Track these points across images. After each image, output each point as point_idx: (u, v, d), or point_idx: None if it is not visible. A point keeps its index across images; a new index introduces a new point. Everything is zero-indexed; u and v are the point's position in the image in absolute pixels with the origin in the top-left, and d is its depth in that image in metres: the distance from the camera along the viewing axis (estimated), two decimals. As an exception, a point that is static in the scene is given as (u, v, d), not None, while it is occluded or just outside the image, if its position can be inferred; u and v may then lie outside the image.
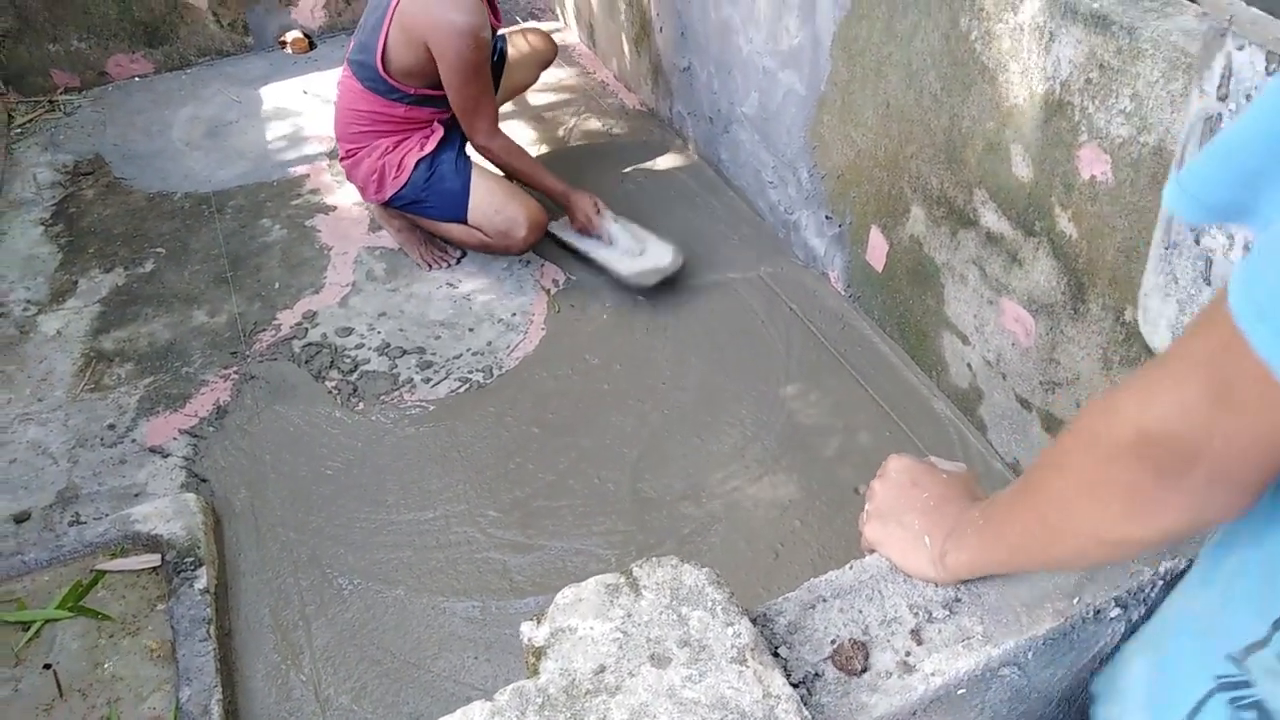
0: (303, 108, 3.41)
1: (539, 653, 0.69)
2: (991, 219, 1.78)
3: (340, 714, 1.67)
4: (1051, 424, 1.80)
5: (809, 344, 2.32)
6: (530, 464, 2.06)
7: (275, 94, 3.51)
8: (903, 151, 1.98)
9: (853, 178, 2.19)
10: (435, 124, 2.47)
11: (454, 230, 2.53)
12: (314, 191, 2.97)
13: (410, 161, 2.43)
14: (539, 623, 0.72)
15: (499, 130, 2.45)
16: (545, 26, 3.88)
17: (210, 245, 2.78)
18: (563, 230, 2.63)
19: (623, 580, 0.74)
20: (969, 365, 2.00)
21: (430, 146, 2.44)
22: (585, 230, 2.55)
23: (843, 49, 2.06)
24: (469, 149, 2.52)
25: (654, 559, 0.77)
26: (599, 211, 2.53)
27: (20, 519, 2.04)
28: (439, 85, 2.34)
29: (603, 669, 0.67)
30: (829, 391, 2.19)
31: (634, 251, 2.51)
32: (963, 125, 1.77)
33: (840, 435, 2.09)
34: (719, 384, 2.23)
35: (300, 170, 3.07)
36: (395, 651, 1.75)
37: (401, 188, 2.45)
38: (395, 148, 2.44)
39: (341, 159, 2.50)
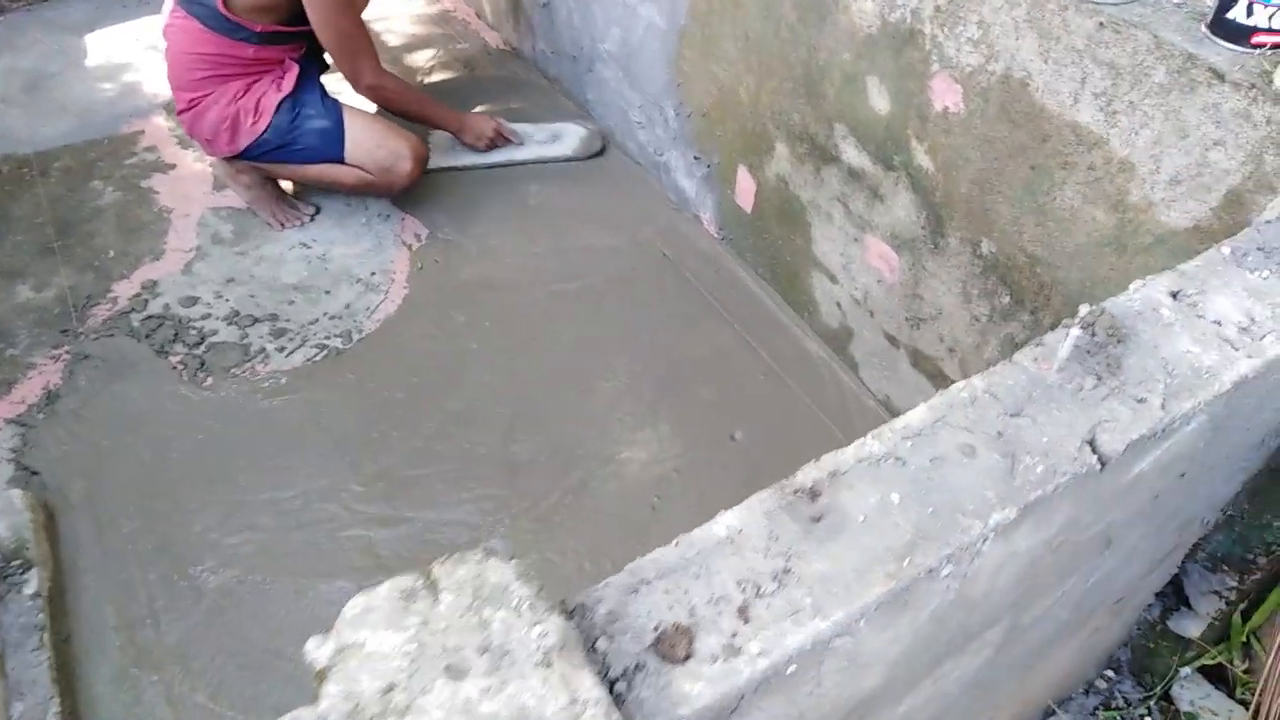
0: (133, 57, 3.13)
1: (322, 674, 0.61)
2: (852, 154, 1.74)
3: (197, 713, 1.57)
4: (919, 359, 1.80)
5: (683, 290, 2.26)
6: (394, 431, 1.96)
7: (102, 42, 3.21)
8: (764, 86, 1.91)
9: (718, 116, 2.12)
10: (288, 61, 2.27)
11: (326, 171, 2.34)
12: (150, 149, 2.74)
13: (269, 103, 2.22)
14: (325, 637, 0.64)
15: (383, 69, 2.30)
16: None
17: (33, 212, 2.53)
18: (457, 156, 2.61)
19: (420, 582, 0.67)
20: (838, 304, 1.98)
21: (288, 86, 2.24)
22: (490, 147, 2.58)
23: (698, -20, 1.97)
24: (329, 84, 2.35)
25: (457, 555, 0.69)
26: (498, 123, 2.58)
27: None
28: (293, 20, 2.15)
29: (391, 688, 0.60)
30: (704, 338, 2.14)
31: (551, 138, 2.62)
32: (820, 58, 1.72)
33: (716, 382, 2.05)
34: (592, 336, 2.15)
35: (134, 126, 2.82)
36: (255, 642, 1.65)
37: (262, 133, 2.24)
38: (247, 91, 2.23)
39: (180, 111, 2.27)
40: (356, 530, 1.79)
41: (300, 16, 2.14)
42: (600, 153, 2.65)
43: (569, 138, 2.63)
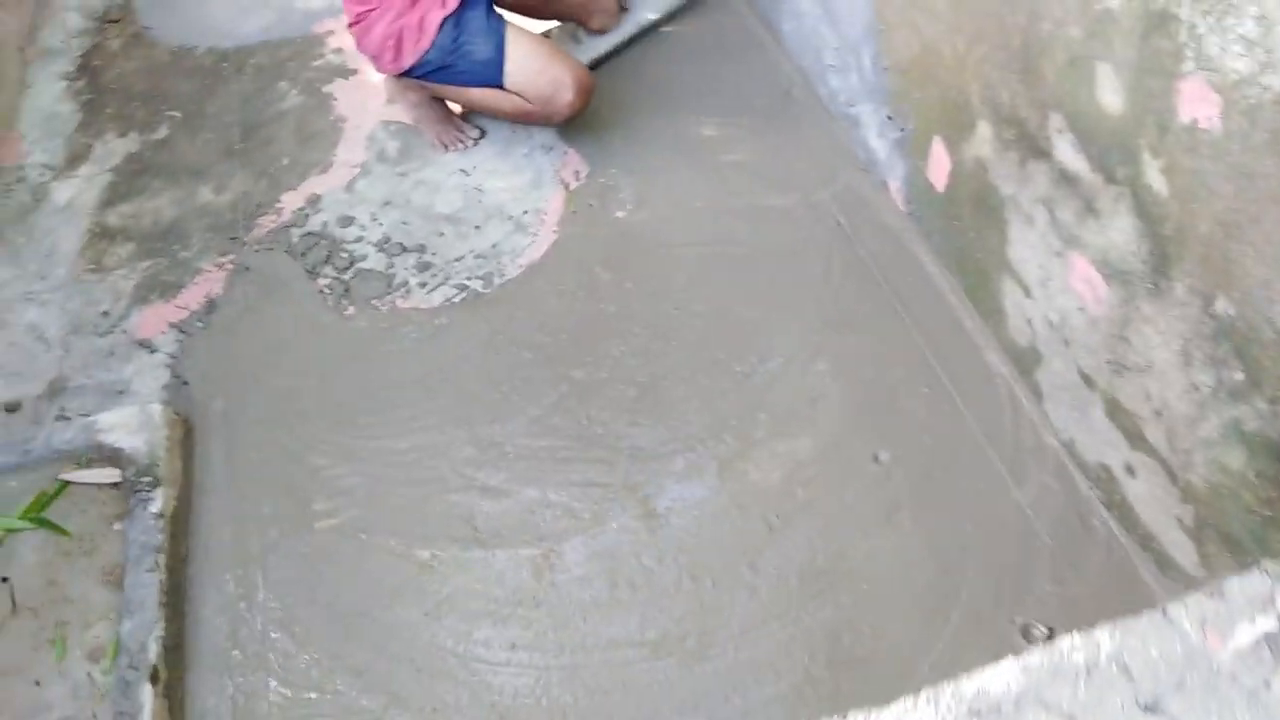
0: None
1: None
2: (1067, 152, 1.40)
3: (282, 658, 1.60)
4: (1116, 411, 1.47)
5: (852, 268, 1.99)
6: (516, 395, 1.87)
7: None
8: (972, 51, 1.57)
9: (918, 75, 1.79)
10: None
11: (488, 97, 2.22)
12: (336, 51, 2.71)
13: (433, 21, 2.11)
14: None
15: None
16: None
17: (225, 110, 2.59)
18: (591, 46, 2.50)
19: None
20: (1029, 321, 1.66)
21: (453, 3, 2.12)
22: (615, 21, 2.51)
23: (914, -91, 1.62)
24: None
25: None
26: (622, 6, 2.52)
27: (11, 409, 2.00)
28: None
29: None
30: (867, 328, 1.88)
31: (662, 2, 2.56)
32: (1042, 28, 1.36)
33: (869, 386, 1.80)
34: (739, 313, 1.94)
35: (325, 25, 2.80)
36: (347, 597, 1.65)
37: (425, 53, 2.14)
38: (412, 7, 2.12)
39: (350, 25, 2.20)
40: (459, 496, 1.74)
41: None
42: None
43: None
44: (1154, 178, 1.23)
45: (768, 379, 1.84)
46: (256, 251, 2.22)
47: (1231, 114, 1.07)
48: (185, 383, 1.99)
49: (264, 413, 1.91)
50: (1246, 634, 0.53)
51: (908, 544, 1.60)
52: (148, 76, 2.73)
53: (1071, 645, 0.55)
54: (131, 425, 1.82)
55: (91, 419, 1.84)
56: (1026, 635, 1.50)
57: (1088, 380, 1.52)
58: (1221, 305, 1.17)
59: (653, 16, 2.53)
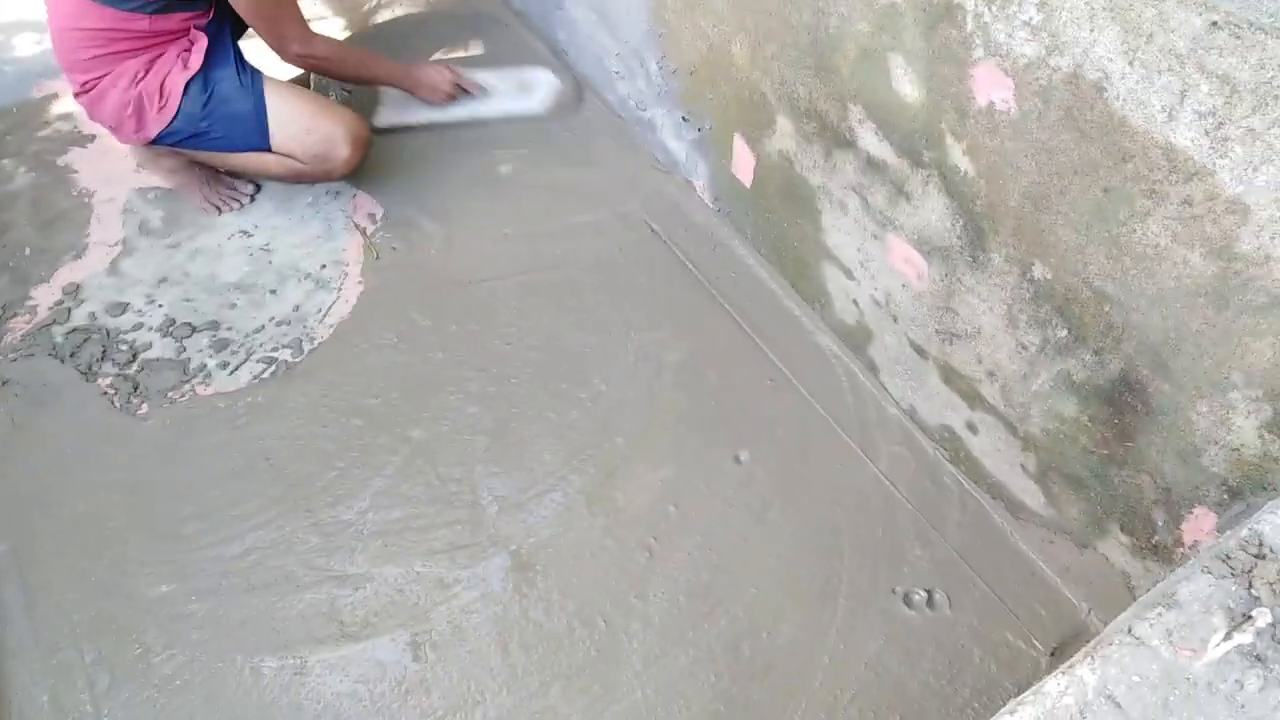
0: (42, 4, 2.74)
1: None
2: (871, 141, 1.45)
3: (147, 822, 1.41)
4: (951, 376, 1.55)
5: (675, 273, 1.99)
6: (355, 468, 1.73)
7: (6, -18, 2.82)
8: (761, 50, 1.59)
9: (707, 76, 1.80)
10: (194, 31, 1.93)
11: (252, 161, 2.03)
12: (64, 116, 2.41)
13: (175, 85, 1.89)
14: None
15: (312, 31, 1.96)
16: None
17: (-62, 202, 2.24)
18: (412, 112, 2.29)
19: None
20: (855, 301, 1.71)
21: (196, 63, 1.90)
22: (449, 100, 2.26)
23: (679, -86, 1.62)
24: (247, 52, 2.01)
25: None
26: (455, 74, 2.26)
27: None
28: None
29: None
30: (701, 334, 1.89)
31: (520, 89, 2.31)
32: (829, 25, 1.40)
33: (715, 389, 1.81)
34: (571, 338, 1.90)
35: (45, 88, 2.48)
36: (208, 734, 1.47)
37: (171, 121, 1.93)
38: (148, 71, 1.89)
39: (77, 94, 1.94)
40: (315, 592, 1.59)
41: None
42: (577, 104, 2.32)
43: (541, 90, 2.30)
44: (959, 159, 1.29)
45: (614, 401, 1.80)
46: (13, 360, 1.93)
47: (1025, 95, 1.13)
48: (-46, 529, 1.71)
49: (63, 545, 1.67)
50: (1214, 642, 0.55)
51: (783, 539, 1.62)
52: None
53: (1058, 688, 0.55)
54: (-103, 596, 1.53)
55: None
56: (908, 603, 1.56)
57: (920, 351, 1.59)
58: (1039, 271, 1.25)
59: (488, 114, 2.30)
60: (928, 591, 1.55)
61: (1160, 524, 1.23)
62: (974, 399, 1.52)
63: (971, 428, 1.56)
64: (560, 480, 1.70)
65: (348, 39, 2.56)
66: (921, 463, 1.69)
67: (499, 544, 1.63)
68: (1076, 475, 1.37)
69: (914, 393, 1.67)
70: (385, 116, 2.25)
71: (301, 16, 1.93)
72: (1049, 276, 1.24)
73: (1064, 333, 1.26)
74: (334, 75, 2.10)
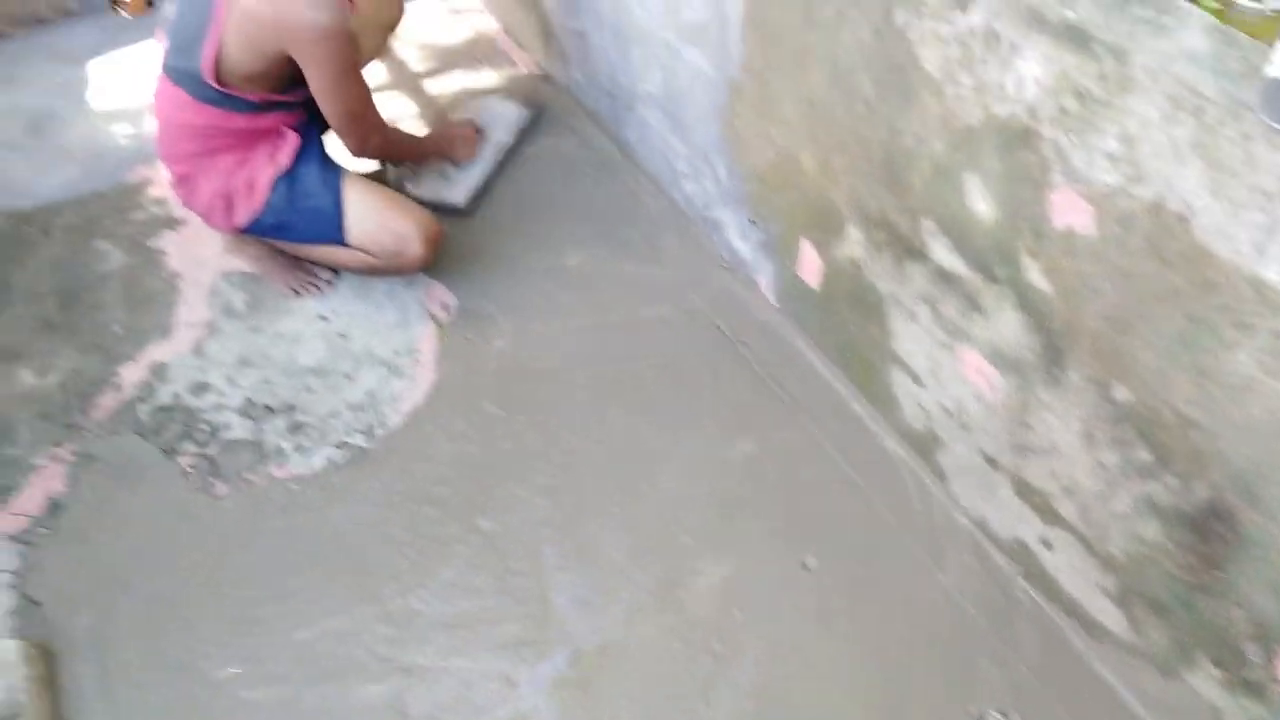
0: (138, 89, 2.91)
1: None
2: (943, 254, 1.46)
3: None
4: (1025, 491, 1.53)
5: (740, 371, 2.00)
6: (424, 557, 1.76)
7: (107, 71, 3.00)
8: (832, 161, 1.63)
9: (777, 182, 1.84)
10: (283, 130, 2.03)
11: (330, 254, 2.13)
12: (158, 201, 2.53)
13: (264, 180, 2.00)
14: None
15: (381, 121, 2.09)
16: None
17: (36, 280, 2.35)
18: (465, 176, 2.43)
19: None
20: (923, 407, 1.71)
21: (284, 159, 2.01)
22: (477, 149, 2.47)
23: (755, 30, 1.68)
24: (330, 147, 2.12)
25: None
26: (471, 123, 2.50)
27: None
28: (289, 88, 1.92)
29: None
30: (767, 434, 1.89)
31: (498, 115, 2.58)
32: (904, 142, 1.43)
33: (782, 491, 1.81)
34: (638, 432, 1.92)
35: (141, 173, 2.62)
36: (271, 825, 1.48)
37: (258, 214, 2.03)
38: (241, 165, 2.00)
39: (173, 183, 2.06)
40: (383, 684, 1.60)
41: (294, 83, 1.91)
42: (540, 103, 2.66)
43: (508, 105, 2.61)
44: (1035, 278, 1.30)
45: (680, 498, 1.81)
46: (100, 437, 2.01)
47: (1105, 221, 1.15)
48: (37, 603, 1.76)
49: (140, 624, 1.71)
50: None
51: (851, 648, 1.60)
52: (-64, 253, 2.46)
53: None
54: (-18, 671, 1.58)
55: (-71, 672, 1.59)
56: (982, 721, 1.52)
57: (991, 462, 1.58)
58: (1119, 392, 1.24)
59: (507, 139, 2.53)
60: (1003, 714, 1.51)
61: (1253, 658, 1.20)
62: (1049, 514, 1.50)
63: (1046, 543, 1.54)
64: (627, 579, 1.70)
65: (422, 132, 2.66)
66: (993, 576, 1.66)
67: (565, 641, 1.63)
68: (1160, 600, 1.34)
69: (985, 503, 1.66)
70: (459, 194, 2.40)
71: (380, 117, 2.07)
72: (1130, 398, 1.23)
73: (1146, 455, 1.25)
74: (395, 161, 2.30)
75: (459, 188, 2.40)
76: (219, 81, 1.83)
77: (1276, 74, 0.91)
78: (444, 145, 2.39)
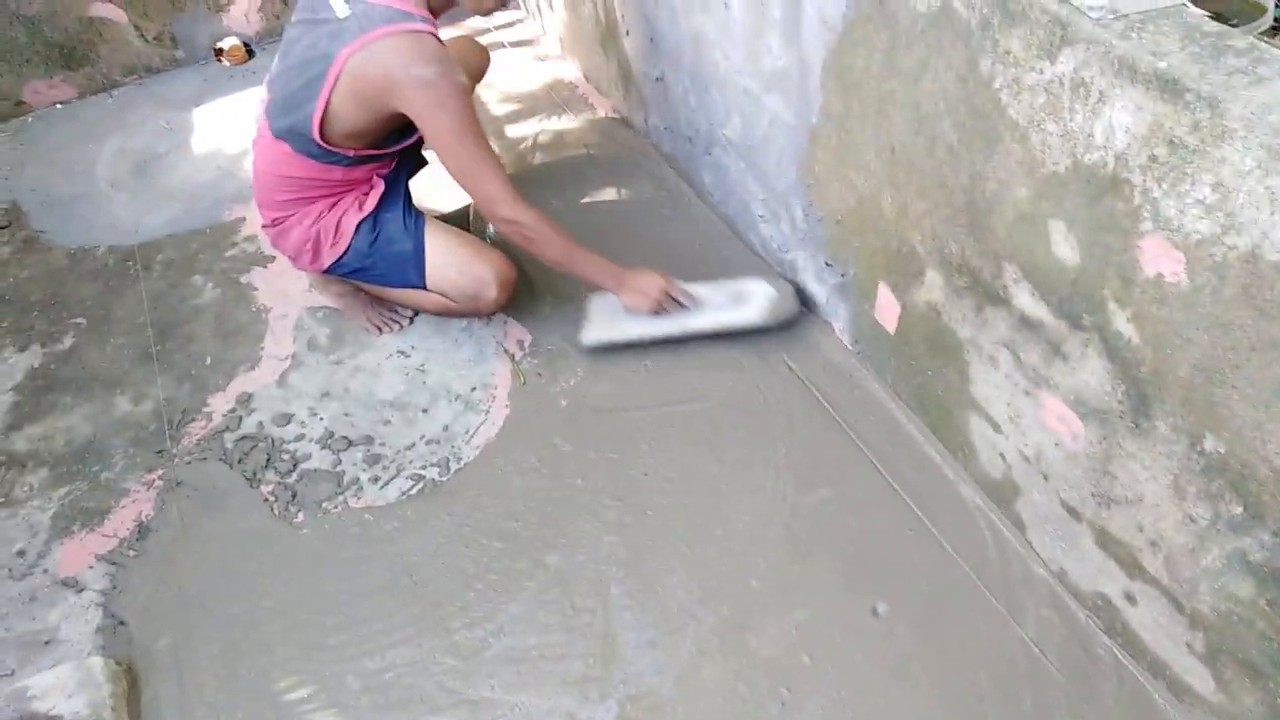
0: (238, 133, 3.06)
1: None
2: (1026, 301, 1.45)
3: None
4: (1108, 542, 1.49)
5: (813, 413, 2.00)
6: (493, 590, 1.77)
7: (208, 117, 3.16)
8: (913, 205, 1.63)
9: (855, 225, 1.85)
10: (374, 179, 2.11)
11: (409, 296, 2.19)
12: (250, 238, 2.65)
13: (349, 224, 2.07)
14: None
15: (521, 201, 1.91)
16: (504, 16, 3.50)
17: (135, 312, 2.47)
18: (616, 325, 2.14)
19: None
20: (1002, 455, 1.68)
21: (370, 205, 2.07)
22: (658, 310, 2.09)
23: (836, 78, 1.70)
24: (413, 193, 2.19)
25: None
26: (668, 282, 2.08)
27: (-82, 678, 1.78)
28: (384, 143, 2.00)
29: None
30: (838, 475, 1.88)
31: (733, 300, 2.12)
32: (987, 188, 1.43)
33: (854, 535, 1.78)
34: (709, 472, 1.92)
35: (236, 212, 2.74)
36: None
37: (342, 255, 2.10)
38: (330, 210, 2.07)
39: (265, 226, 2.14)
40: (449, 715, 1.61)
41: (394, 137, 1.98)
42: (793, 319, 2.14)
43: (756, 300, 2.10)
44: (1123, 325, 1.27)
45: (750, 540, 1.80)
46: (188, 463, 2.08)
47: (1197, 270, 1.13)
48: (122, 623, 1.82)
49: (218, 645, 1.75)
50: None
51: (924, 699, 1.56)
52: (45, 283, 2.60)
53: None
54: (68, 686, 1.64)
55: (20, 684, 1.65)
56: (1059, 782, 1.46)
57: (1073, 512, 1.54)
58: (1210, 443, 1.21)
59: (702, 326, 2.10)
60: (1081, 772, 1.46)
61: (1356, 728, 1.14)
62: (1133, 568, 1.45)
63: (1130, 598, 1.49)
64: (693, 619, 1.69)
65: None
66: (1072, 630, 1.61)
67: (631, 680, 1.62)
68: (1253, 662, 1.29)
69: (1065, 555, 1.61)
70: (592, 334, 2.15)
71: (508, 181, 1.91)
72: (1222, 450, 1.19)
73: (1239, 509, 1.21)
74: (539, 254, 1.98)
75: (596, 330, 2.16)
76: (324, 139, 1.90)
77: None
78: (610, 276, 2.06)
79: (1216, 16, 1.31)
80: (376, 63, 1.77)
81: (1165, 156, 1.11)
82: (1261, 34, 1.37)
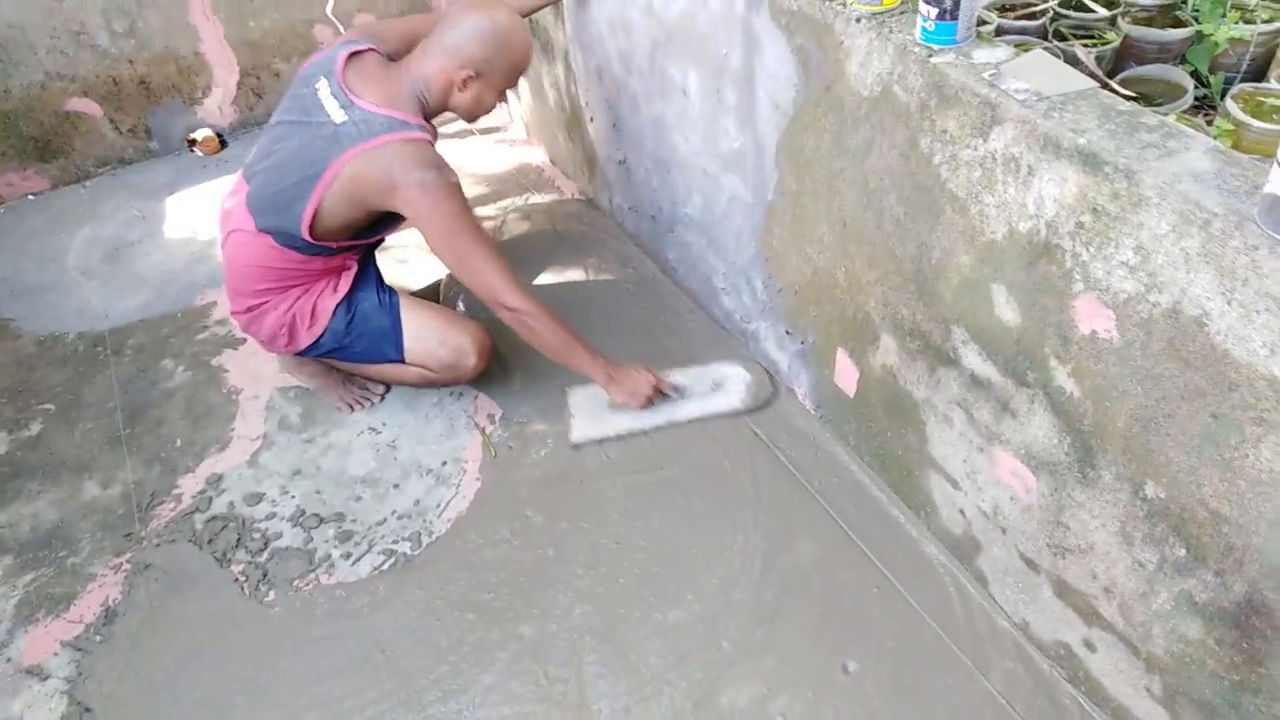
0: (209, 219, 3.12)
1: None
2: (975, 361, 1.53)
3: None
4: (1065, 591, 1.54)
5: (779, 477, 2.05)
6: (465, 664, 1.77)
7: (182, 204, 3.22)
8: (866, 275, 1.72)
9: (811, 295, 1.93)
10: (349, 262, 2.16)
11: (386, 371, 2.23)
12: (221, 321, 2.68)
13: (326, 307, 2.10)
14: None
15: (522, 290, 1.95)
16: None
17: (105, 397, 2.48)
18: (604, 421, 2.19)
19: None
20: (962, 511, 1.74)
21: (344, 288, 2.12)
22: (647, 405, 2.15)
23: (789, 158, 1.80)
24: (384, 272, 2.25)
25: None
26: (656, 377, 2.15)
27: (-127, 776, 1.73)
28: (363, 234, 2.06)
29: None
30: (805, 537, 1.92)
31: (711, 387, 2.24)
32: (932, 256, 1.52)
33: (821, 595, 1.82)
34: (678, 539, 1.95)
35: (207, 296, 2.78)
36: None
37: (319, 338, 2.13)
38: (304, 295, 2.11)
39: (235, 312, 2.15)
40: (425, 792, 1.60)
41: (377, 228, 2.05)
42: (772, 399, 2.22)
43: (733, 385, 2.23)
44: (1064, 381, 1.35)
45: (720, 604, 1.83)
46: (157, 545, 2.08)
47: (1127, 326, 1.21)
48: (88, 709, 1.78)
49: (188, 730, 1.73)
50: None
51: (896, 757, 1.58)
52: (13, 370, 2.60)
53: None
54: (34, 774, 1.60)
55: (-17, 775, 1.62)
56: (1033, 835, 1.48)
57: (1031, 564, 1.60)
58: (1151, 489, 1.28)
59: (686, 415, 2.18)
60: (1053, 824, 1.48)
61: (1305, 760, 1.18)
62: (1091, 616, 1.50)
63: (1089, 645, 1.53)
64: (667, 684, 1.71)
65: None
66: (1037, 681, 1.64)
67: (606, 749, 1.63)
68: (1207, 701, 1.33)
69: (1026, 607, 1.66)
70: (581, 431, 2.18)
71: (508, 271, 1.94)
72: (1162, 495, 1.26)
73: (1182, 552, 1.27)
74: (538, 342, 2.01)
75: (584, 427, 2.19)
76: (313, 236, 1.94)
77: (1274, 190, 0.99)
78: (602, 372, 2.09)
79: (1142, 97, 1.43)
80: (378, 168, 1.84)
81: (1090, 223, 1.20)
82: (1183, 113, 1.49)
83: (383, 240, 2.28)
